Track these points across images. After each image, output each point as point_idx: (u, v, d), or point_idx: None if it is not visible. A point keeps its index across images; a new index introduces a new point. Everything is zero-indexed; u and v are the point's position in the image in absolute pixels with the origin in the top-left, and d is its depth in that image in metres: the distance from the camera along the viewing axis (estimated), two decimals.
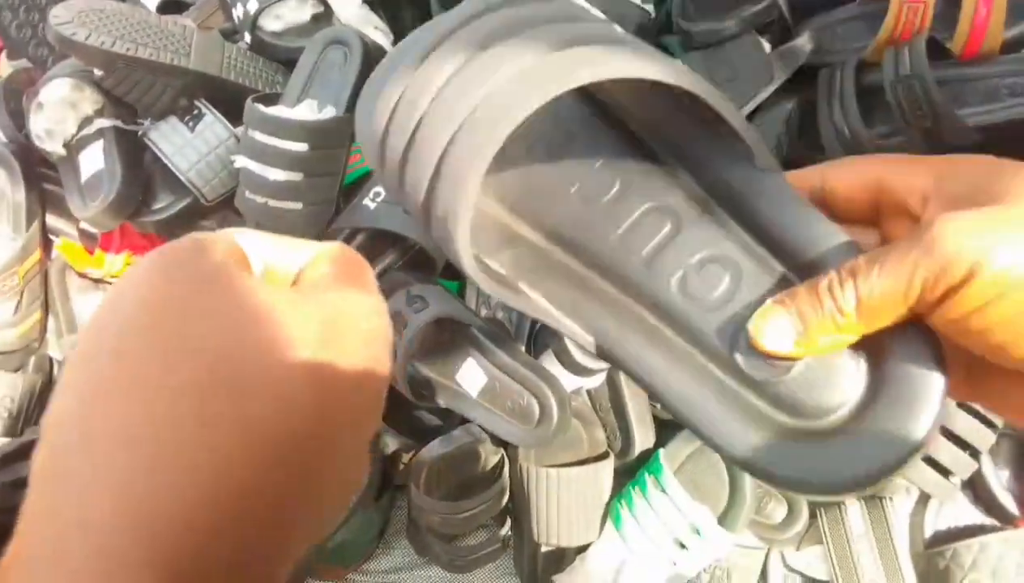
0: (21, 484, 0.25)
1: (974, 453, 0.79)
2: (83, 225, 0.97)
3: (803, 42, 0.84)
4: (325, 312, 0.26)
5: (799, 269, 0.34)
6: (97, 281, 0.99)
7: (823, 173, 0.35)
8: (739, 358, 0.33)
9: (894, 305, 0.28)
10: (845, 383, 0.32)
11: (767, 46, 0.84)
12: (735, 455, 0.32)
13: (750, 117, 0.84)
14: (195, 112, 0.92)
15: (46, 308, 0.98)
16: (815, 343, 0.30)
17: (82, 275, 0.98)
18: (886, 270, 0.28)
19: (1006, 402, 0.32)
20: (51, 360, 1.01)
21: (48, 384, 1.00)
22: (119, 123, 0.93)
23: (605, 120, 0.38)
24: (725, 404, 0.33)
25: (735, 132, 0.33)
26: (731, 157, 0.34)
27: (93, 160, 0.92)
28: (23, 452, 0.27)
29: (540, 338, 0.91)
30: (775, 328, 0.31)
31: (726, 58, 0.83)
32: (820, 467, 0.31)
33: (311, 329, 0.25)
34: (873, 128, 0.82)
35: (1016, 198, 0.27)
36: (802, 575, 0.88)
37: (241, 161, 0.85)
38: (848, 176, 0.34)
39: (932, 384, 0.30)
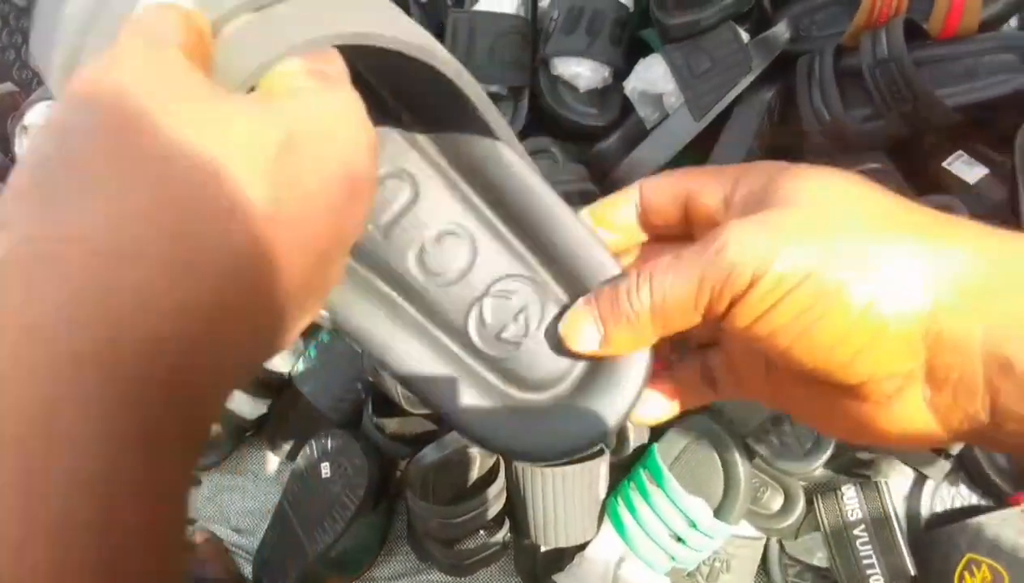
0: None
1: None
2: None
3: (780, 30, 0.84)
4: (292, 119, 0.23)
5: (538, 250, 0.34)
6: None
7: (640, 188, 0.35)
8: (472, 333, 0.34)
9: (685, 311, 0.28)
10: (565, 362, 0.34)
11: (745, 36, 0.84)
12: (465, 426, 0.33)
13: (730, 107, 0.84)
14: None
15: None
16: (615, 344, 0.31)
17: None
18: (678, 276, 0.28)
19: (806, 410, 0.32)
20: None
21: None
22: None
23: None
24: (459, 377, 0.33)
25: (485, 123, 0.33)
26: (474, 132, 0.34)
27: None
28: None
29: None
30: (582, 329, 0.32)
31: (704, 49, 0.83)
32: (532, 437, 0.33)
33: (275, 138, 0.22)
34: (854, 112, 0.82)
35: (794, 202, 0.27)
36: (801, 563, 0.88)
37: None
38: (660, 192, 0.34)
39: (634, 372, 0.32)
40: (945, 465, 0.80)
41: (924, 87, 0.76)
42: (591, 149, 0.92)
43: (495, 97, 0.95)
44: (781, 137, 0.88)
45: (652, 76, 0.85)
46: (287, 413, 0.95)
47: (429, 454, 0.80)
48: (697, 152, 0.89)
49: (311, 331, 0.95)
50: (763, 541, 0.87)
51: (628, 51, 0.91)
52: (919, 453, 0.79)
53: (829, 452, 0.79)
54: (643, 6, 0.91)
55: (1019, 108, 0.84)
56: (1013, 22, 0.96)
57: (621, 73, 0.90)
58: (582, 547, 0.86)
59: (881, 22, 0.80)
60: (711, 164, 0.83)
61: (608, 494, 0.85)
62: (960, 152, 0.90)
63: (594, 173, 0.89)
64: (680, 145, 0.84)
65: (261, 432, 0.99)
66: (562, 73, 0.91)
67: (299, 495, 0.87)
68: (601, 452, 0.85)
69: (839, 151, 0.85)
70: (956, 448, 0.80)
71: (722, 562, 0.85)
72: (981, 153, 0.90)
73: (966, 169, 0.90)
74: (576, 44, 0.89)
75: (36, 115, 0.91)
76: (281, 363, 0.93)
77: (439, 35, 0.93)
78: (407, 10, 1.12)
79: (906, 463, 0.81)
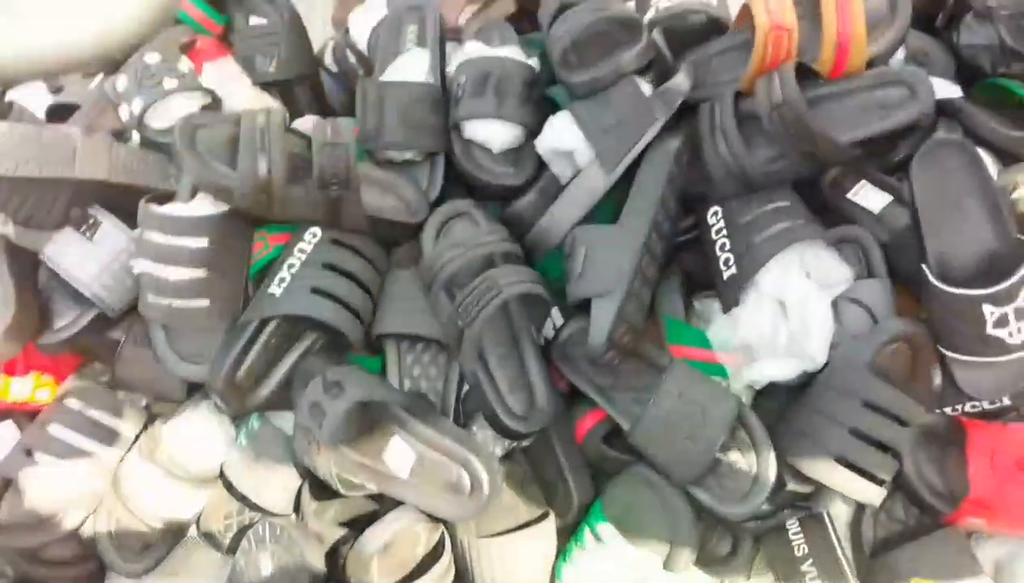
0: None
1: (895, 454, 0.80)
2: None
3: (680, 80, 0.86)
4: None
5: None
6: (7, 411, 0.95)
7: None
8: None
9: None
10: None
11: (647, 88, 0.86)
12: None
13: (640, 157, 0.86)
14: (91, 221, 0.90)
15: None
16: None
17: None
18: None
19: None
20: None
21: None
22: (10, 234, 0.91)
23: None
24: None
25: None
26: None
27: None
28: None
29: (468, 403, 0.90)
30: None
31: (609, 104, 0.85)
32: None
33: None
34: (757, 155, 0.84)
35: None
36: None
37: (140, 265, 0.83)
38: None
39: None
40: (881, 491, 0.81)
41: (820, 127, 0.79)
42: (509, 210, 0.92)
43: (410, 163, 0.95)
44: (692, 182, 0.90)
45: (561, 133, 0.86)
46: (221, 506, 0.92)
47: (373, 538, 0.78)
48: (612, 202, 0.91)
49: (241, 418, 0.93)
50: None
51: (538, 110, 0.93)
52: (856, 483, 0.80)
53: (767, 490, 0.79)
54: (550, 65, 0.93)
55: (913, 137, 0.88)
56: (900, 54, 1.01)
57: (534, 131, 0.92)
58: None
59: (773, 66, 0.83)
60: (625, 215, 0.84)
61: (556, 557, 0.84)
62: (863, 182, 0.94)
63: (514, 231, 0.89)
64: (594, 199, 0.85)
65: (197, 528, 0.95)
66: (474, 136, 0.92)
67: None
68: (546, 515, 0.85)
69: (748, 192, 0.87)
70: (890, 473, 0.81)
71: None
72: (883, 181, 0.94)
73: (870, 198, 0.93)
74: (485, 107, 0.90)
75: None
76: (211, 455, 0.90)
77: (351, 102, 0.94)
78: (318, 79, 1.12)
79: (845, 494, 0.82)
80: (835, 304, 0.84)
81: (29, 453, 0.88)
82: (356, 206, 0.85)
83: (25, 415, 0.94)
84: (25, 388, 0.93)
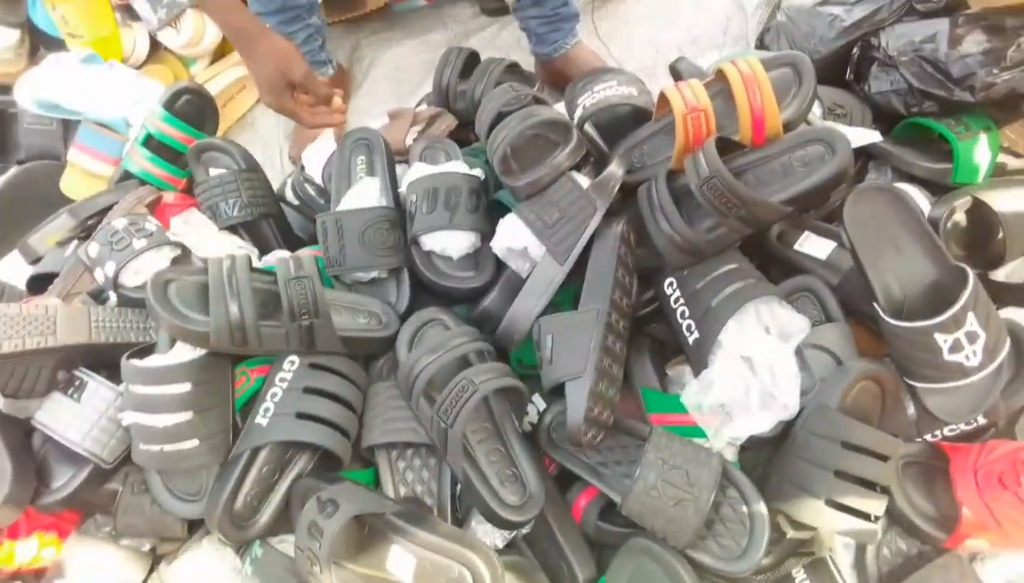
0: None
1: (882, 489, 0.82)
2: None
3: (614, 169, 0.92)
4: None
5: None
6: (13, 575, 0.95)
7: None
8: None
9: None
10: None
11: (584, 181, 0.93)
12: None
13: (589, 244, 0.91)
14: (77, 382, 0.93)
15: None
16: None
17: None
18: None
19: None
20: None
21: None
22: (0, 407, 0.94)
23: None
24: None
25: None
26: None
27: None
28: None
29: (464, 501, 0.92)
30: None
31: (551, 202, 0.91)
32: None
33: None
34: (699, 226, 0.89)
35: None
36: None
37: (128, 417, 0.86)
38: None
39: None
40: (876, 528, 0.83)
41: (748, 193, 0.85)
42: (476, 309, 0.96)
43: (377, 280, 1.00)
44: (643, 259, 0.95)
45: (512, 233, 0.92)
46: None
47: None
48: (571, 290, 0.95)
49: (245, 547, 0.94)
50: None
51: (488, 214, 0.99)
52: (850, 523, 0.81)
53: (765, 544, 0.80)
54: (494, 172, 1.00)
55: (838, 186, 0.93)
56: (818, 110, 1.09)
57: (487, 235, 0.97)
58: None
59: (697, 144, 0.90)
60: (583, 300, 0.88)
61: None
62: (806, 233, 0.99)
63: (484, 329, 0.93)
64: (553, 289, 0.90)
65: None
66: (432, 248, 0.97)
67: None
68: None
69: (697, 260, 0.92)
70: (881, 508, 0.82)
71: None
72: (825, 229, 0.99)
73: (816, 246, 0.99)
74: (438, 220, 0.96)
75: None
76: None
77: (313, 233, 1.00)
78: (281, 214, 1.18)
79: (842, 535, 0.84)
80: (799, 352, 0.88)
81: None
82: (328, 331, 0.89)
83: (33, 576, 0.95)
84: (30, 549, 0.93)
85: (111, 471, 0.92)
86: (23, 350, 0.88)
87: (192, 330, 0.84)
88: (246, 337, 0.85)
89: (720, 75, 0.92)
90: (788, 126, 0.92)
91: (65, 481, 0.91)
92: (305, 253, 0.90)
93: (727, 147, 0.89)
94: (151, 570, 0.96)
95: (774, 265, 1.00)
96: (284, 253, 0.94)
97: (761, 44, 1.24)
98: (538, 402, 0.98)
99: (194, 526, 0.95)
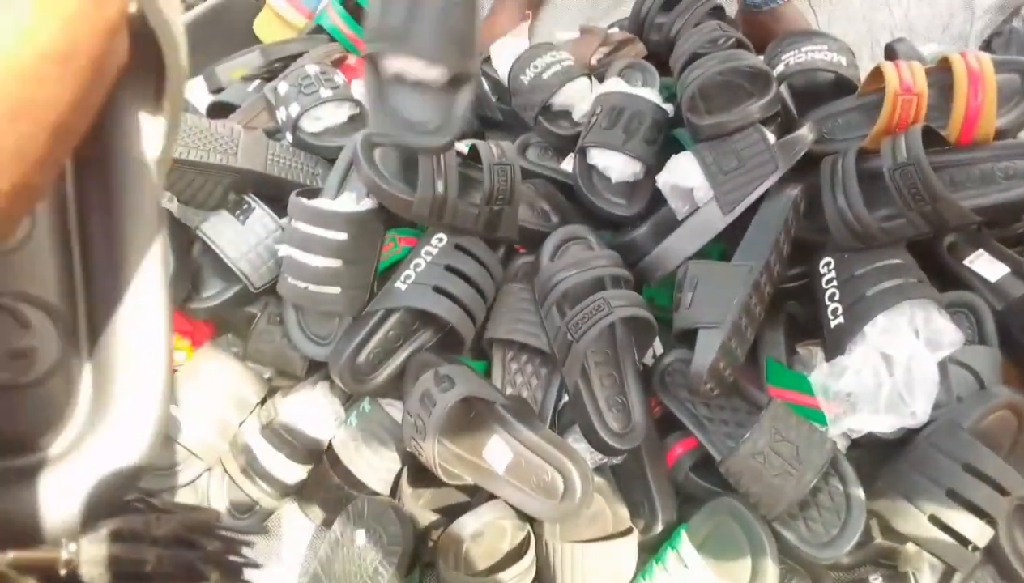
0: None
1: (991, 521, 0.79)
2: None
3: (805, 133, 0.89)
4: None
5: None
6: None
7: None
8: None
9: None
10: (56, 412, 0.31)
11: (772, 137, 0.90)
12: None
13: (758, 201, 0.89)
14: (244, 206, 0.99)
15: None
16: None
17: None
18: None
19: None
20: None
21: None
22: (173, 210, 1.02)
23: None
24: None
25: None
26: None
27: None
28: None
29: (564, 415, 0.94)
30: None
31: (732, 149, 0.89)
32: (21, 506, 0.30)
33: None
34: (876, 212, 0.86)
35: None
36: None
37: (284, 250, 0.92)
38: None
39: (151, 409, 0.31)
40: (974, 557, 0.81)
41: (942, 190, 0.81)
42: (623, 237, 0.97)
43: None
44: (806, 231, 0.93)
45: (683, 172, 0.91)
46: (324, 479, 0.99)
47: (464, 525, 0.82)
48: (725, 243, 0.94)
49: (353, 400, 1.00)
50: None
51: (661, 151, 0.98)
52: (947, 544, 0.79)
53: (855, 539, 0.79)
54: (676, 106, 0.98)
55: None
56: None
57: (651, 170, 0.97)
58: None
59: (900, 128, 0.86)
60: (738, 255, 0.87)
61: (635, 573, 0.87)
62: (981, 251, 0.94)
63: (625, 260, 0.94)
64: (709, 236, 0.89)
65: (298, 497, 1.02)
66: (597, 163, 0.97)
67: (333, 560, 0.89)
68: (630, 531, 0.87)
69: (862, 246, 0.89)
70: (984, 539, 0.80)
71: None
72: (1001, 252, 0.94)
73: (987, 267, 0.93)
74: (613, 139, 0.95)
75: None
76: (322, 430, 0.97)
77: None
78: None
79: (934, 555, 0.82)
80: (942, 366, 0.85)
81: None
82: (513, 218, 0.92)
83: None
84: None
85: (254, 296, 0.99)
86: (207, 162, 0.94)
87: (396, 195, 0.87)
88: (443, 212, 0.88)
89: (944, 64, 0.87)
90: (1001, 134, 0.87)
91: (214, 292, 0.99)
92: (507, 143, 0.92)
93: (930, 140, 0.85)
94: (264, 399, 1.03)
95: (936, 274, 0.95)
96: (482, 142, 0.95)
97: (988, 47, 1.16)
98: (655, 345, 0.98)
99: (312, 370, 1.01)
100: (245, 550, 0.36)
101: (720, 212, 0.88)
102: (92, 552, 0.30)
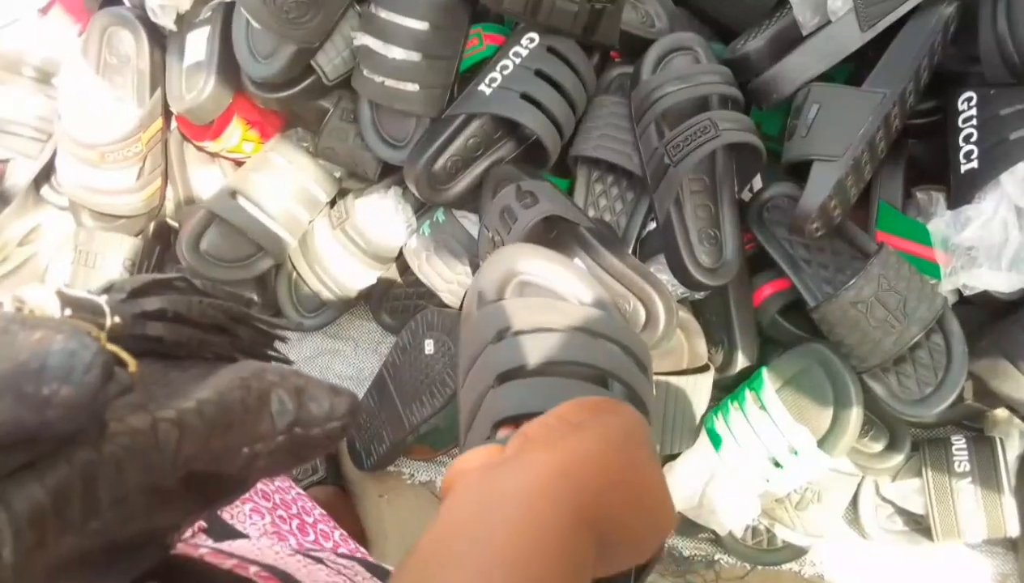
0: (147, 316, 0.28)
1: None
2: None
3: None
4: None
5: None
6: (213, 155, 1.01)
7: None
8: None
9: None
10: None
11: None
12: None
13: (902, 20, 0.77)
14: None
15: (166, 177, 1.01)
16: None
17: (199, 148, 1.00)
18: None
19: None
20: (169, 229, 1.05)
21: (166, 249, 1.04)
22: None
23: None
24: None
25: None
26: None
27: (197, 48, 0.92)
28: (147, 288, 0.30)
29: (648, 245, 0.89)
30: None
31: None
32: None
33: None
34: None
35: None
36: (895, 506, 0.86)
37: (361, 38, 0.84)
38: None
39: None
40: None
41: None
42: (736, 52, 0.86)
43: None
44: (952, 60, 0.81)
45: None
46: (393, 287, 0.97)
47: None
48: (856, 66, 0.83)
49: (426, 210, 0.95)
50: (858, 479, 0.86)
51: None
52: None
53: (951, 399, 0.75)
54: None
55: None
56: None
57: None
58: (673, 457, 0.86)
59: None
60: (871, 80, 0.76)
61: (708, 410, 0.84)
62: None
63: (739, 76, 0.84)
64: (840, 56, 0.78)
65: (366, 302, 1.01)
66: None
67: (400, 367, 0.89)
68: (707, 368, 0.84)
69: (1014, 82, 0.77)
70: None
71: (814, 493, 0.84)
72: None
73: None
74: None
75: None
76: (393, 237, 0.93)
77: None
78: None
79: None
80: None
81: (233, 195, 0.94)
82: (615, 20, 0.82)
83: (231, 164, 1.01)
84: (232, 137, 0.97)
85: (328, 88, 0.92)
86: None
87: None
88: (540, 6, 0.78)
89: None
90: None
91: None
92: None
93: None
94: (334, 200, 0.99)
95: None
96: None
97: None
98: (755, 180, 0.90)
99: (385, 173, 0.96)
100: (279, 345, 0.35)
101: (858, 27, 0.76)
102: (134, 328, 0.28)
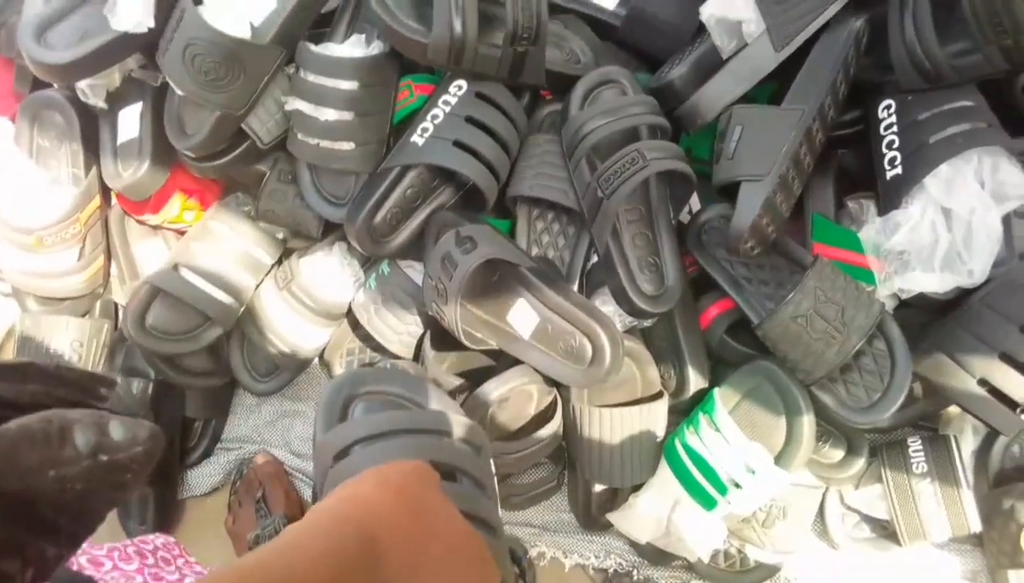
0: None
1: None
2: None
3: None
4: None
5: None
6: (155, 227, 1.00)
7: None
8: None
9: None
10: None
11: None
12: None
13: (815, 36, 0.79)
14: None
15: (108, 254, 1.00)
16: None
17: (140, 222, 1.00)
18: None
19: None
20: (116, 305, 1.04)
21: (114, 328, 1.03)
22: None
23: None
24: None
25: None
26: None
27: (130, 124, 0.92)
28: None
29: (593, 277, 0.89)
30: None
31: None
32: None
33: None
34: (947, 46, 0.76)
35: None
36: (860, 514, 0.86)
37: (293, 103, 0.85)
38: None
39: None
40: (1021, 422, 0.77)
41: None
42: (660, 80, 0.87)
43: None
44: (866, 69, 0.83)
45: (732, 1, 0.80)
46: (345, 343, 0.96)
47: (489, 390, 0.80)
48: (780, 85, 0.85)
49: (372, 262, 0.95)
50: (822, 490, 0.86)
51: None
52: (994, 408, 0.76)
53: (898, 404, 0.76)
54: None
55: None
56: None
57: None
58: (637, 488, 0.86)
59: None
60: (789, 97, 0.78)
61: (666, 437, 0.85)
62: None
63: (663, 105, 0.85)
64: (757, 77, 0.80)
65: (319, 360, 1.00)
66: None
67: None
68: (660, 395, 0.84)
69: (928, 87, 0.80)
70: None
71: (779, 510, 0.84)
72: None
73: None
74: None
75: None
76: (341, 293, 0.93)
77: None
78: None
79: (979, 419, 0.78)
80: (1007, 220, 0.78)
81: (176, 268, 0.93)
82: (539, 60, 0.83)
83: (173, 234, 1.00)
84: (172, 209, 0.97)
85: (263, 153, 0.92)
86: None
87: (410, 38, 0.78)
88: (463, 55, 0.79)
89: None
90: None
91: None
92: None
93: None
94: (280, 260, 0.99)
95: (1008, 118, 0.86)
96: None
97: None
98: (692, 200, 0.92)
99: (328, 230, 0.96)
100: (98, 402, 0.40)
101: (772, 48, 0.78)
102: None
